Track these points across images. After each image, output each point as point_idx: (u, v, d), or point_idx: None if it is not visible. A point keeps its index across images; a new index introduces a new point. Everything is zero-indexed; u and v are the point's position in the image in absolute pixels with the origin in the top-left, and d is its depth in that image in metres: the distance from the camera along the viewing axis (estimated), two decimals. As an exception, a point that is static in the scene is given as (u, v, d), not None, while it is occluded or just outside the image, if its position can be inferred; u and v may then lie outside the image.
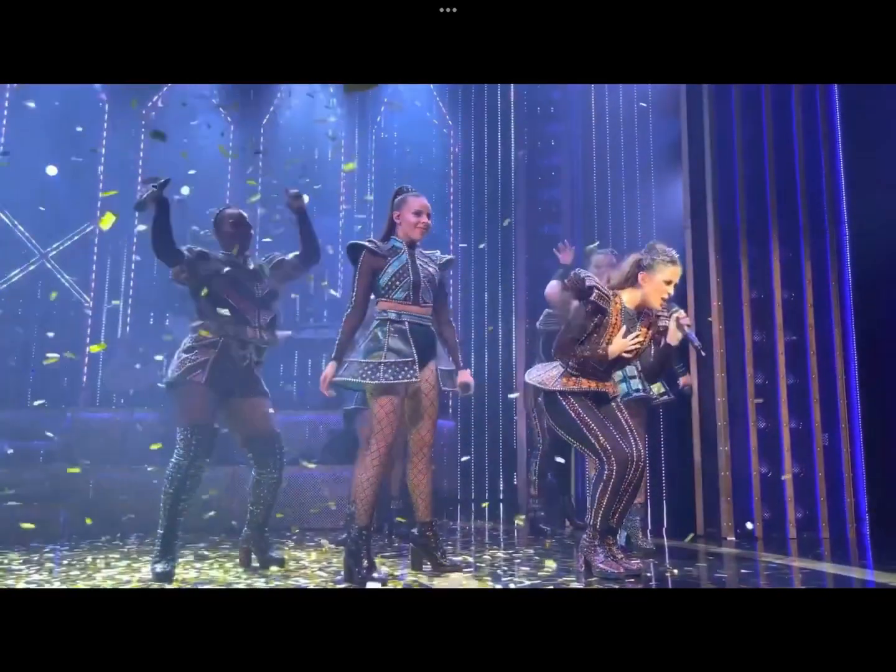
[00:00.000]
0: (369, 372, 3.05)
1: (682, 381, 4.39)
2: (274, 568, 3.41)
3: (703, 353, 3.23)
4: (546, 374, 3.23)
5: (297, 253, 3.56)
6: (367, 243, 3.22)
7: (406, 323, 3.16)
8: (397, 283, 3.17)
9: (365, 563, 3.04)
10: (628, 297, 3.18)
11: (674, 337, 3.11)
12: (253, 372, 3.46)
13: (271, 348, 3.57)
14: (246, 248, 3.57)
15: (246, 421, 3.45)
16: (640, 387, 4.02)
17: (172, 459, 3.22)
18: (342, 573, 3.15)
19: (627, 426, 3.18)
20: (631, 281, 3.17)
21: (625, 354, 3.17)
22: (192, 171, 5.35)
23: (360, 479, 3.11)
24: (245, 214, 3.62)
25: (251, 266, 3.56)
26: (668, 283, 3.11)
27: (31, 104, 5.98)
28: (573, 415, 3.13)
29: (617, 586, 2.90)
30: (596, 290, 3.11)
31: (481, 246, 3.34)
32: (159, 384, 3.54)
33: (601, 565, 3.07)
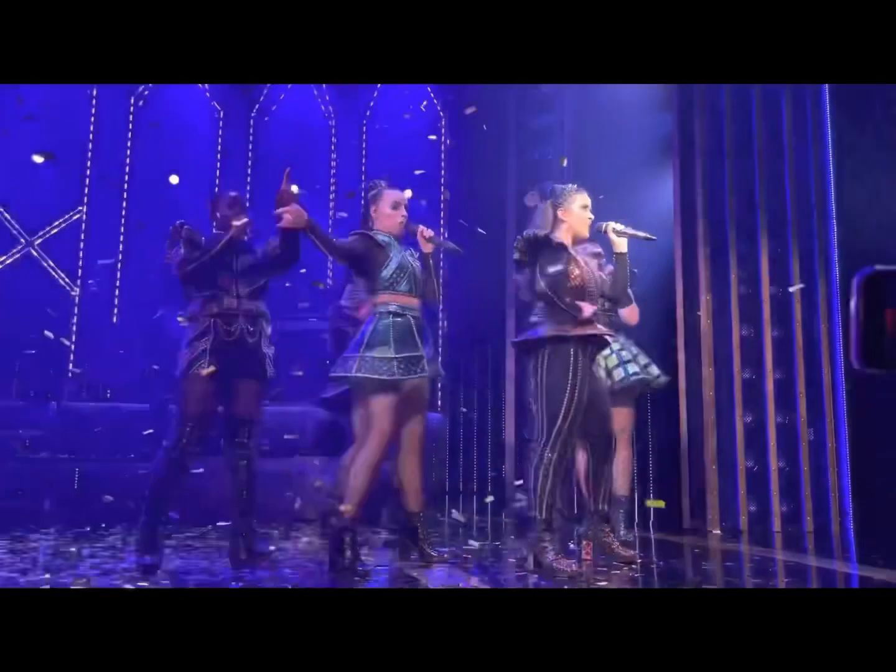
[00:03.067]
0: (384, 367, 3.02)
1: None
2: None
3: (654, 238, 3.38)
4: (556, 327, 3.07)
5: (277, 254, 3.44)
6: (370, 234, 3.21)
7: (409, 317, 3.15)
8: (401, 275, 3.17)
9: (349, 554, 3.04)
10: (562, 237, 3.18)
11: (619, 245, 3.23)
12: (253, 347, 3.33)
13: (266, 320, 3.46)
14: (243, 234, 3.44)
15: (233, 399, 3.34)
16: (637, 370, 4.03)
17: (164, 446, 3.21)
18: (327, 563, 3.15)
19: (607, 407, 3.17)
20: (554, 223, 3.20)
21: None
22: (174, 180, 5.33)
23: (353, 472, 3.10)
24: (240, 197, 3.53)
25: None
26: (585, 207, 3.23)
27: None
28: (570, 368, 2.98)
29: (567, 586, 2.80)
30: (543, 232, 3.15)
31: (457, 248, 3.36)
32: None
33: (553, 564, 2.96)
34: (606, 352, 3.98)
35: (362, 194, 3.33)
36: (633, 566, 3.17)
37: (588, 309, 3.06)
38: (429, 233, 3.28)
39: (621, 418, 4.11)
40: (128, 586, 2.69)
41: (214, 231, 3.47)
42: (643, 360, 4.11)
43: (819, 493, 4.74)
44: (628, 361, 4.03)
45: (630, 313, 4.06)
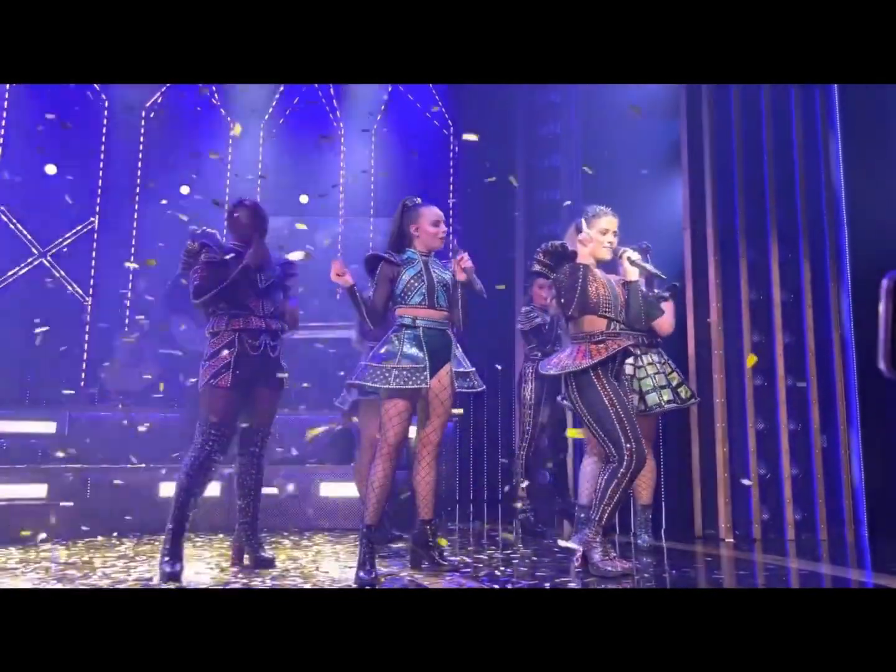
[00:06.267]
0: (382, 377, 3.13)
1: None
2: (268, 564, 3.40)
3: (664, 277, 3.42)
4: (568, 358, 3.19)
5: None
6: (384, 255, 3.31)
7: (420, 328, 3.24)
8: (412, 288, 3.26)
9: (368, 567, 3.04)
10: (583, 260, 3.28)
11: (631, 273, 3.26)
12: (272, 359, 3.48)
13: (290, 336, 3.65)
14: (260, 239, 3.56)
15: (253, 409, 3.48)
16: (671, 397, 4.03)
17: (189, 454, 3.29)
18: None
19: (635, 418, 3.18)
20: (578, 246, 3.31)
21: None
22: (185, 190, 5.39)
23: (369, 479, 3.16)
24: (259, 206, 3.64)
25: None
26: (605, 232, 3.30)
27: None
28: (601, 392, 3.10)
29: (613, 585, 2.90)
30: (569, 245, 3.26)
31: (482, 291, 3.48)
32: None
33: (600, 563, 3.07)
34: (641, 374, 4.02)
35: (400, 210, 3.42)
36: (645, 576, 3.14)
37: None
38: (467, 263, 3.29)
39: (645, 429, 4.10)
40: (127, 587, 2.70)
41: (232, 244, 3.54)
42: (676, 380, 4.11)
43: (833, 501, 4.70)
44: (663, 387, 4.04)
45: (660, 323, 4.03)
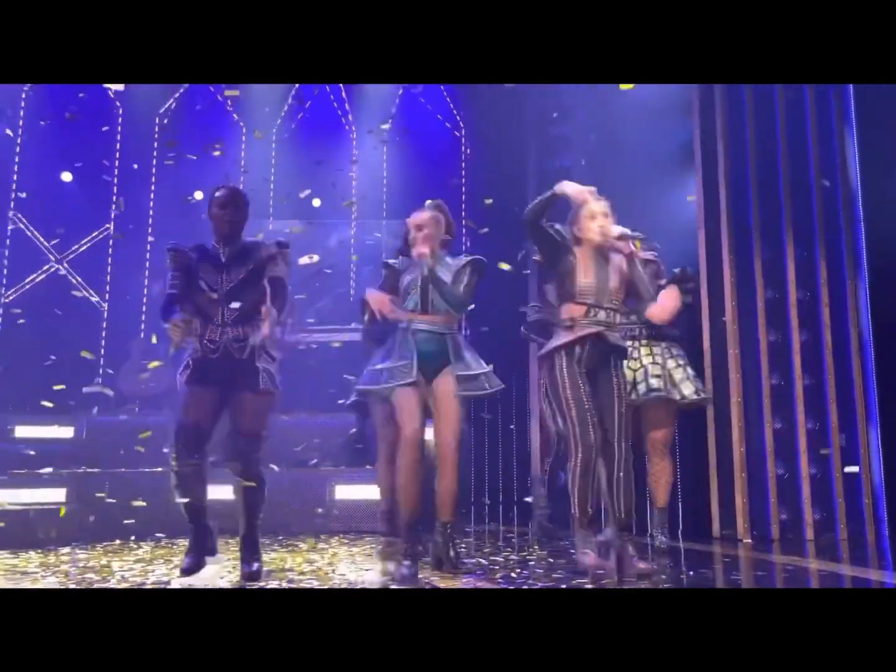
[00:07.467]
0: (374, 378, 3.40)
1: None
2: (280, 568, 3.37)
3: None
4: (548, 344, 3.27)
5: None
6: (390, 262, 3.55)
7: (412, 331, 3.37)
8: (408, 294, 3.41)
9: (390, 566, 3.08)
10: (585, 250, 3.27)
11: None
12: (239, 360, 3.22)
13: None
14: (234, 234, 3.28)
15: (231, 415, 3.26)
16: (659, 386, 4.02)
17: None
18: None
19: (617, 414, 3.15)
20: (575, 240, 3.29)
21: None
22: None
23: (397, 476, 3.27)
24: (237, 193, 3.33)
25: (223, 255, 3.26)
26: (593, 217, 3.23)
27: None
28: (559, 376, 3.11)
29: (590, 585, 2.89)
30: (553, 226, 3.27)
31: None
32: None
33: (590, 561, 3.09)
34: (635, 364, 4.01)
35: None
36: (650, 579, 3.11)
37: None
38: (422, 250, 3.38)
39: (659, 431, 4.09)
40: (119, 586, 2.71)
41: (213, 243, 3.32)
42: (678, 375, 4.09)
43: (852, 500, 4.65)
44: (657, 376, 4.01)
45: (656, 311, 3.93)
